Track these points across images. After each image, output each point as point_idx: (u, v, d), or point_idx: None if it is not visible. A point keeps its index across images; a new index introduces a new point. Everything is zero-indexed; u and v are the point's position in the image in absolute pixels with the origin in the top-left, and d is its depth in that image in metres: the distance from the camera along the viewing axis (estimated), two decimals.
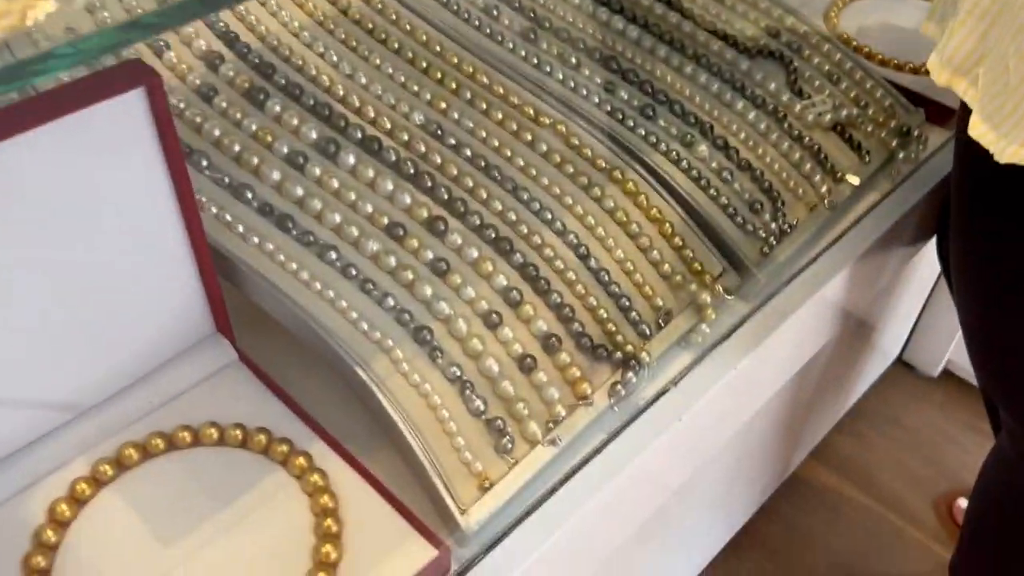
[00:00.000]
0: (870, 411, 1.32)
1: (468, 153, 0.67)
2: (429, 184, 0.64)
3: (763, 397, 0.76)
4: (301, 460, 0.54)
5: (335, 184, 0.62)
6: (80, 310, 0.51)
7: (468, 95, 0.71)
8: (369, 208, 0.62)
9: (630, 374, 0.60)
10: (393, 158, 0.65)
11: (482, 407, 0.56)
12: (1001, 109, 0.53)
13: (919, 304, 1.26)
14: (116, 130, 0.48)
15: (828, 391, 1.12)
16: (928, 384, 1.36)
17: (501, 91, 0.72)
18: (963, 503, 1.18)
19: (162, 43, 0.66)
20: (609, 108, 0.74)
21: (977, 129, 0.55)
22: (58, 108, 0.45)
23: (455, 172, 0.66)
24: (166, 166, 0.51)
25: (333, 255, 0.59)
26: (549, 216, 0.66)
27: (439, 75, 0.71)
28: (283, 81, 0.66)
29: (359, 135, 0.65)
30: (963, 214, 0.68)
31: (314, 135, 0.64)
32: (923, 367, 1.36)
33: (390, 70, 0.70)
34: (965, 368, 1.31)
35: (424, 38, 0.73)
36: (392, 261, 0.60)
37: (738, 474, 0.96)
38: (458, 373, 0.57)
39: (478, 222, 0.64)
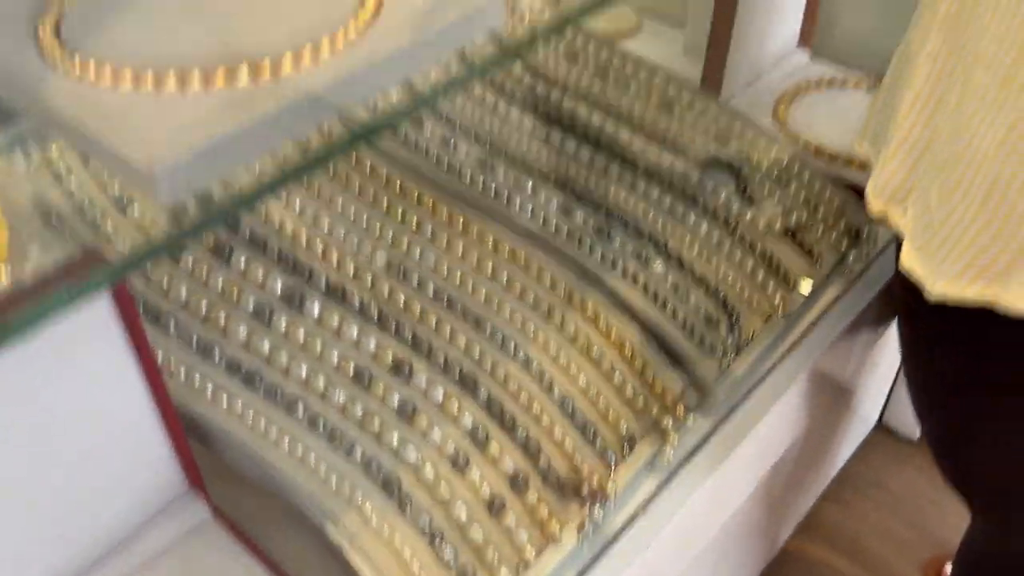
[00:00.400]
0: (854, 476, 1.33)
1: (431, 291, 0.69)
2: (394, 326, 0.66)
3: (732, 507, 0.78)
4: None
5: (301, 335, 0.64)
6: (50, 489, 0.52)
7: (429, 231, 0.73)
8: (335, 357, 0.64)
9: (597, 507, 0.61)
10: (358, 303, 0.67)
11: (452, 557, 0.57)
12: (929, 244, 0.55)
13: (895, 368, 1.28)
14: (80, 319, 0.50)
15: (810, 464, 1.13)
16: (910, 447, 1.38)
17: (461, 224, 0.75)
18: (949, 569, 1.19)
19: (124, 199, 0.68)
20: (566, 231, 0.77)
21: (909, 261, 0.57)
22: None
23: (419, 312, 0.68)
24: (131, 348, 0.52)
25: (301, 409, 0.61)
26: (512, 348, 0.68)
27: (400, 213, 0.74)
28: (248, 233, 0.69)
29: (324, 283, 0.67)
30: (906, 326, 0.70)
31: (280, 287, 0.66)
32: (903, 429, 1.37)
33: (352, 212, 0.73)
34: None
35: (384, 178, 0.76)
36: (359, 410, 0.62)
37: (724, 562, 0.97)
38: (428, 521, 0.58)
39: (443, 361, 0.65)
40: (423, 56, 0.45)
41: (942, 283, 0.54)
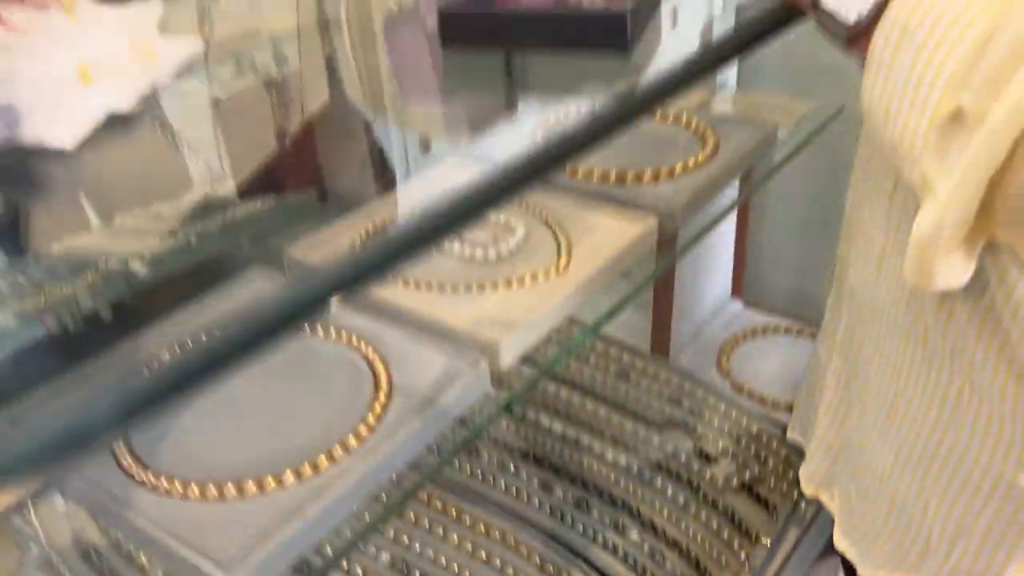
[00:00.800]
0: None
1: None
2: None
3: None
4: None
5: None
6: None
7: (427, 523, 0.81)
8: None
9: None
10: None
11: None
12: (854, 532, 0.63)
13: None
14: None
15: None
16: None
17: (454, 512, 0.83)
18: None
19: None
20: (549, 508, 0.85)
21: (840, 543, 0.65)
22: None
23: None
24: None
25: None
26: None
27: (400, 508, 0.82)
28: None
29: None
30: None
31: None
32: None
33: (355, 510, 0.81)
34: None
35: None
36: None
37: None
38: None
39: None
40: (431, 430, 0.55)
41: (870, 568, 0.62)
